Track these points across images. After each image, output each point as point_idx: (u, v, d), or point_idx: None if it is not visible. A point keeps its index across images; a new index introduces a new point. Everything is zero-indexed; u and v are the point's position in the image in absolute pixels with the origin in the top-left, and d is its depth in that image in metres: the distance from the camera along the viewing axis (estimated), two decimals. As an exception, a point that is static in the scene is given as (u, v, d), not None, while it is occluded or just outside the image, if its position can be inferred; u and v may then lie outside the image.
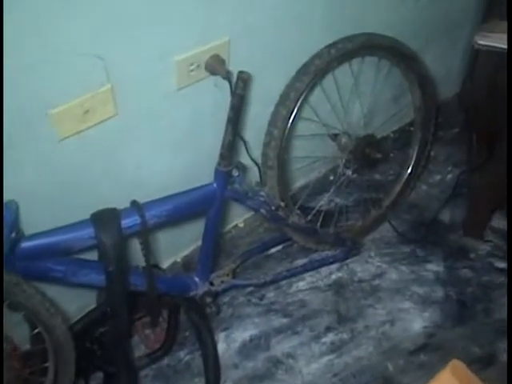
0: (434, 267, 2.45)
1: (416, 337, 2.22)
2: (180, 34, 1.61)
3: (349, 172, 2.31)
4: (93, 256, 1.69)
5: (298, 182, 2.61)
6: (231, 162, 1.76)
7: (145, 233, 1.68)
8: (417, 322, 2.27)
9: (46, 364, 1.74)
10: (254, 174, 2.03)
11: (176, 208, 1.74)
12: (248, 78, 1.60)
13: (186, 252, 2.41)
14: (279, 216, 2.00)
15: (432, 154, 2.84)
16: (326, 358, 2.15)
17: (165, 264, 2.34)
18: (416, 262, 2.48)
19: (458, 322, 2.27)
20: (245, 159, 1.94)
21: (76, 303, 2.08)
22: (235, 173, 1.80)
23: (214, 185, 1.79)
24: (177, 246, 2.36)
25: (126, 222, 1.63)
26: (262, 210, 1.94)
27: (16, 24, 1.26)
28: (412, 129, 2.51)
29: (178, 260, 2.40)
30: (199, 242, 2.28)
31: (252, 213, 2.57)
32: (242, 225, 2.57)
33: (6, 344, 1.77)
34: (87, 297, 2.08)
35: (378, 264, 2.47)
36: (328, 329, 2.24)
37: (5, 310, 1.62)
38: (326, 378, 2.10)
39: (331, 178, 2.69)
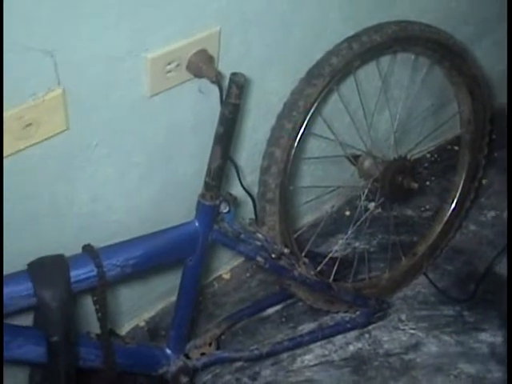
0: (489, 337, 2.45)
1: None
2: (155, 23, 1.60)
3: (372, 206, 2.32)
4: (25, 320, 1.69)
5: (305, 220, 2.61)
6: (219, 194, 1.76)
7: (102, 289, 1.67)
8: (467, 414, 2.27)
9: None
10: (246, 209, 2.03)
11: (145, 255, 1.72)
12: (244, 81, 1.60)
13: (152, 313, 2.42)
14: (281, 266, 2.00)
15: (484, 182, 2.85)
16: None
17: (123, 329, 2.33)
18: (464, 329, 2.48)
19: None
20: (235, 189, 1.95)
21: (2, 384, 2.07)
22: (224, 208, 1.80)
23: (196, 223, 1.79)
24: (140, 305, 2.36)
25: (76, 274, 1.61)
26: (259, 258, 1.93)
27: None
28: (457, 148, 2.52)
29: (142, 324, 2.40)
30: (171, 299, 2.31)
31: (240, 260, 2.58)
32: (227, 276, 2.57)
33: None
34: (17, 377, 2.06)
35: (412, 332, 2.47)
36: (346, 422, 2.24)
37: None
38: None
39: (347, 213, 2.71)
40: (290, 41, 1.97)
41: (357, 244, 2.67)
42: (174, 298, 2.24)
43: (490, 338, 2.44)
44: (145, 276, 2.14)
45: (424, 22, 2.12)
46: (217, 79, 1.66)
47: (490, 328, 2.47)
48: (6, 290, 1.56)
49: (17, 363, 1.89)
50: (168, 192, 2.02)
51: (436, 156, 2.92)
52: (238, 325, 2.39)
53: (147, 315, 2.40)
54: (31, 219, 1.76)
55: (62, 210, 1.81)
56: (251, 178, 2.02)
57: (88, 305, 1.75)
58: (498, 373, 2.34)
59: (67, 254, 1.62)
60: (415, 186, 2.22)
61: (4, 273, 1.59)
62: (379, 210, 2.32)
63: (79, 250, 1.67)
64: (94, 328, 1.80)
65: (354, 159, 2.23)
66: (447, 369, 2.36)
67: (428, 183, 2.79)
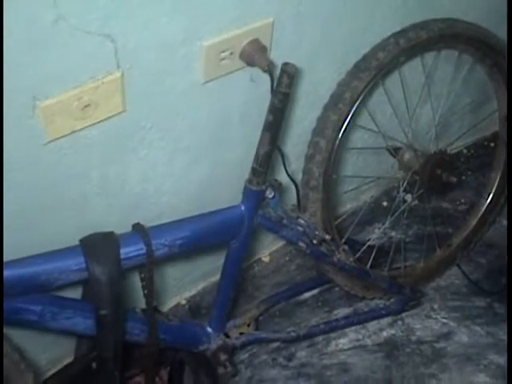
0: (519, 329, 2.43)
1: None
2: (211, 12, 1.60)
3: (409, 198, 2.30)
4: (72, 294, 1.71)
5: (344, 208, 2.60)
6: (265, 180, 1.76)
7: (150, 267, 1.67)
8: (494, 403, 2.25)
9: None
10: (289, 196, 2.02)
11: (193, 236, 1.73)
12: (295, 72, 1.59)
13: (193, 292, 2.42)
14: (321, 252, 1.99)
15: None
16: None
17: (166, 306, 2.34)
18: (494, 321, 2.46)
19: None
20: (279, 176, 1.94)
21: (48, 353, 2.07)
22: (270, 194, 1.79)
23: (242, 207, 1.79)
24: (182, 284, 2.36)
25: (126, 252, 1.62)
26: (301, 244, 1.93)
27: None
28: (493, 145, 2.50)
29: (183, 302, 2.40)
30: (211, 279, 2.31)
31: (280, 245, 2.57)
32: (266, 259, 2.57)
33: None
34: (64, 346, 2.07)
35: (444, 321, 2.46)
36: (377, 404, 2.23)
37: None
38: None
39: (385, 203, 2.70)
40: (339, 34, 1.96)
41: (393, 234, 2.66)
42: (214, 279, 2.28)
43: (521, 330, 2.41)
44: (188, 256, 2.14)
45: (468, 21, 2.09)
46: (269, 68, 1.65)
47: (520, 320, 2.44)
48: (57, 264, 1.57)
49: (64, 334, 1.88)
50: (215, 176, 2.02)
51: (473, 151, 2.90)
52: (275, 307, 2.39)
53: (188, 294, 2.40)
54: (83, 198, 1.76)
55: (113, 190, 1.81)
56: (295, 165, 2.01)
57: (135, 281, 1.76)
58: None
59: (117, 231, 1.63)
60: (454, 179, 2.20)
61: (56, 248, 1.60)
62: (416, 201, 2.29)
63: (128, 229, 1.68)
64: (139, 304, 1.81)
65: (395, 151, 2.21)
66: (477, 359, 2.34)
67: (464, 177, 2.76)
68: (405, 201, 2.35)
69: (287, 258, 2.58)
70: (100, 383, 1.81)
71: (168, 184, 1.93)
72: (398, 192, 2.28)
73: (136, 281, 1.79)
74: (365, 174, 2.31)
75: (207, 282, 2.40)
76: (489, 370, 2.31)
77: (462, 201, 2.78)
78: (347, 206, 2.60)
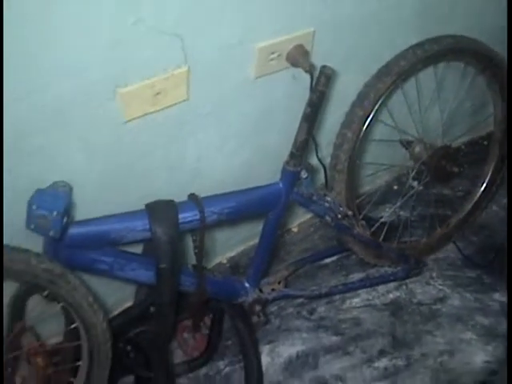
0: (501, 297, 2.40)
1: (476, 372, 2.18)
2: (264, 20, 1.61)
3: (415, 184, 2.29)
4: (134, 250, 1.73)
5: (362, 190, 2.58)
6: (301, 162, 1.75)
7: (202, 230, 1.67)
8: (478, 356, 2.22)
9: (77, 363, 1.74)
10: (318, 177, 2.01)
11: (238, 206, 1.73)
12: (332, 73, 1.60)
13: (232, 253, 2.41)
14: (344, 225, 1.98)
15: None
16: (377, 385, 2.13)
17: (209, 264, 2.33)
18: (482, 289, 2.44)
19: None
20: (310, 159, 1.93)
21: (113, 297, 2.08)
22: (304, 174, 1.79)
23: (280, 185, 1.79)
24: (225, 246, 2.36)
25: (183, 217, 1.63)
26: (328, 217, 1.92)
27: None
28: (486, 143, 2.48)
29: (224, 261, 2.40)
30: (249, 243, 2.31)
31: (306, 218, 2.56)
32: (295, 229, 2.57)
33: (30, 338, 1.77)
34: (126, 291, 2.08)
35: (440, 287, 2.44)
36: (382, 353, 2.21)
37: (41, 300, 1.62)
38: (376, 407, 2.08)
39: (395, 187, 2.68)
40: (367, 44, 1.96)
41: (402, 213, 2.64)
42: (251, 243, 2.29)
43: (502, 297, 2.39)
44: (231, 223, 2.14)
45: (473, 37, 2.08)
46: (310, 69, 1.65)
47: (502, 289, 2.42)
48: (126, 224, 1.59)
49: (127, 282, 1.89)
50: (258, 158, 2.01)
51: (470, 148, 2.87)
52: (301, 269, 2.39)
53: (229, 255, 2.40)
54: (149, 171, 1.77)
55: (174, 165, 1.82)
56: (325, 151, 1.99)
57: (186, 243, 1.77)
58: (505, 325, 2.29)
59: (176, 200, 1.65)
60: (456, 170, 2.19)
61: (126, 211, 1.60)
62: (421, 187, 2.28)
63: (185, 198, 1.68)
64: (190, 261, 1.84)
65: (407, 144, 2.19)
66: (466, 319, 2.32)
67: (462, 169, 2.73)
68: (412, 186, 2.33)
69: (312, 229, 2.57)
70: (157, 324, 1.81)
71: (219, 163, 1.92)
72: (408, 178, 2.26)
73: (187, 242, 1.80)
74: (382, 162, 2.29)
75: (245, 246, 2.39)
76: (475, 329, 2.29)
77: (460, 188, 2.76)
78: (365, 188, 2.58)
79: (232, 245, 2.38)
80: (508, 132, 2.18)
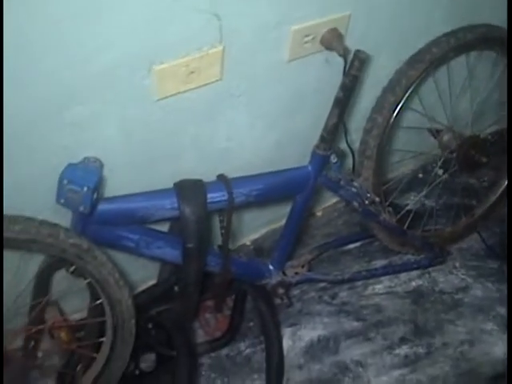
0: (523, 289, 2.39)
1: (496, 362, 2.17)
2: (301, 2, 1.59)
3: (441, 172, 2.27)
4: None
5: (388, 177, 2.56)
6: (331, 147, 1.74)
7: (229, 211, 1.67)
8: (499, 347, 2.21)
9: (101, 339, 1.75)
10: (346, 162, 2.00)
11: (266, 188, 1.72)
12: (366, 58, 1.58)
13: (256, 235, 2.41)
14: (371, 211, 1.96)
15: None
16: (397, 372, 2.11)
17: (233, 245, 2.32)
18: (504, 280, 2.42)
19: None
20: (339, 144, 1.92)
21: (136, 275, 2.08)
22: (334, 159, 1.77)
23: (309, 168, 1.77)
24: (249, 228, 2.35)
25: (211, 197, 1.63)
26: (355, 203, 1.91)
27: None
28: (512, 135, 2.45)
29: (248, 243, 2.39)
30: (272, 226, 2.30)
31: (331, 202, 2.55)
32: (320, 214, 2.56)
33: (54, 313, 1.78)
34: (150, 270, 2.07)
35: (463, 277, 2.43)
36: (403, 340, 2.21)
37: (66, 276, 1.62)
38: (396, 394, 2.07)
39: (420, 175, 2.66)
40: (400, 30, 1.93)
41: (426, 201, 2.62)
42: (275, 226, 2.30)
43: (524, 289, 2.38)
44: (257, 205, 2.12)
45: (504, 28, 2.05)
46: (344, 53, 1.63)
47: (524, 281, 2.41)
48: (155, 202, 1.59)
49: (152, 260, 1.90)
50: (287, 140, 2.00)
51: (496, 138, 2.83)
52: (324, 254, 2.38)
53: (253, 237, 2.39)
54: (179, 149, 1.77)
55: (203, 145, 1.81)
56: (354, 136, 1.98)
57: (213, 223, 1.76)
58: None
59: (204, 179, 1.64)
60: (484, 160, 2.17)
61: (154, 189, 1.60)
62: (447, 176, 2.26)
63: (213, 178, 1.68)
64: (215, 242, 1.85)
65: (437, 132, 2.17)
66: (487, 310, 2.31)
67: (488, 160, 2.71)
68: (438, 175, 2.31)
69: (336, 214, 2.57)
70: (181, 304, 1.81)
71: (248, 144, 1.91)
72: (435, 167, 2.25)
73: (214, 222, 1.79)
74: (410, 149, 2.27)
75: (269, 228, 2.39)
76: (496, 320, 2.28)
77: (485, 179, 2.74)
78: (390, 175, 2.56)
79: (256, 227, 2.37)
80: (508, 132, 2.15)
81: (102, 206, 1.53)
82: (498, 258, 2.50)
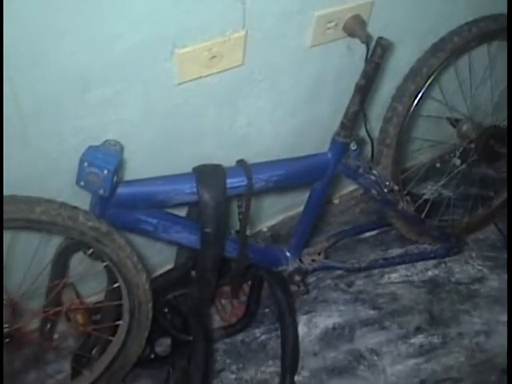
0: (540, 280, 2.37)
1: (512, 354, 2.16)
2: None
3: (458, 162, 2.25)
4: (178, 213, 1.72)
5: (406, 166, 2.55)
6: (351, 134, 1.72)
7: (248, 196, 1.66)
8: (515, 338, 2.20)
9: (117, 323, 1.75)
10: (364, 150, 1.99)
11: (286, 174, 1.71)
12: (388, 45, 1.56)
13: (273, 222, 2.40)
14: (389, 200, 1.95)
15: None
16: (412, 361, 2.11)
17: (250, 232, 2.31)
18: (521, 271, 2.41)
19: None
20: (358, 132, 1.91)
21: (155, 259, 2.08)
22: (353, 146, 1.76)
23: (329, 155, 1.76)
24: (266, 215, 2.34)
25: (231, 182, 1.62)
26: (374, 191, 1.89)
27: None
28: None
29: (264, 229, 2.38)
30: (289, 213, 2.29)
31: (348, 190, 2.54)
32: (336, 201, 2.55)
33: (70, 295, 1.78)
34: (166, 254, 2.07)
35: (479, 267, 2.41)
36: (418, 329, 2.20)
37: (84, 258, 1.62)
38: (410, 383, 2.06)
39: (438, 165, 2.64)
40: (423, 19, 1.91)
41: (444, 191, 2.61)
42: (292, 213, 2.30)
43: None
44: (275, 192, 2.12)
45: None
46: (366, 40, 1.62)
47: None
48: (174, 186, 1.59)
49: (170, 244, 1.91)
50: (307, 127, 1.98)
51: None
52: (341, 241, 2.36)
53: (270, 223, 2.39)
54: (199, 134, 1.75)
55: (224, 129, 1.80)
56: (373, 124, 1.96)
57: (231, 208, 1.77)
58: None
59: (224, 164, 1.64)
60: (504, 150, 2.14)
61: (173, 173, 1.60)
62: (464, 166, 2.24)
63: (232, 164, 1.67)
64: (233, 227, 1.84)
65: (456, 122, 2.16)
66: (503, 301, 2.29)
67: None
68: (456, 165, 2.29)
69: (353, 202, 2.56)
70: (198, 289, 1.81)
71: (268, 129, 1.90)
72: (454, 156, 2.23)
73: (232, 208, 1.78)
74: (428, 138, 2.26)
75: (286, 215, 2.38)
76: (513, 311, 2.26)
77: (503, 170, 2.70)
78: (408, 164, 2.55)
79: (274, 213, 2.36)
80: (508, 131, 2.13)
81: (122, 190, 1.52)
82: (515, 249, 2.48)
